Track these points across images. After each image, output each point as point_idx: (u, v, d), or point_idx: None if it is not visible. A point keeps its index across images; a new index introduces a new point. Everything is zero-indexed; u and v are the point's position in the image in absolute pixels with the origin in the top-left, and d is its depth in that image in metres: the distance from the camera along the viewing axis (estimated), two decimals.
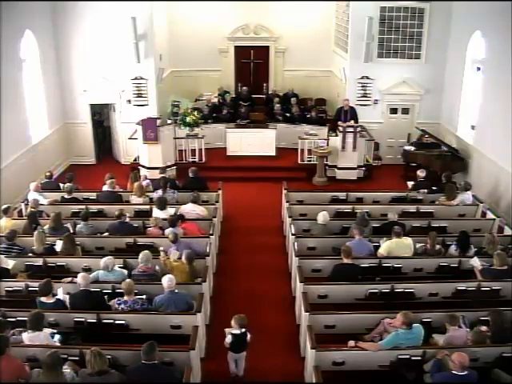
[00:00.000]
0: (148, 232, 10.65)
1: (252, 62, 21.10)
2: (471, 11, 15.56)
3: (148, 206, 11.91)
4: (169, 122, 16.52)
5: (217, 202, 12.61)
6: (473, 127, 15.59)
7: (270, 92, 20.67)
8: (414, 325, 7.43)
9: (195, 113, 17.10)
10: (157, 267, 9.13)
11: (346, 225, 11.13)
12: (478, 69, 15.40)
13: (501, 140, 13.48)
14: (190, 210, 11.51)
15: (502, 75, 13.57)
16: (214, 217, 11.74)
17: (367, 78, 17.56)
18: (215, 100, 19.67)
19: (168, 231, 10.14)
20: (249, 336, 7.65)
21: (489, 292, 8.87)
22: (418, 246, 10.15)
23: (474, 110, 15.53)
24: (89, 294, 8.14)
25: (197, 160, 16.64)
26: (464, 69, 16.07)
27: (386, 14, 17.13)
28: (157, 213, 11.30)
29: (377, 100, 17.77)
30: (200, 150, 16.72)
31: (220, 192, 13.25)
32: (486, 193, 13.93)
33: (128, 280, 8.32)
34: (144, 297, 8.27)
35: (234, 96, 20.17)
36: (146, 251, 9.04)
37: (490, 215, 12.03)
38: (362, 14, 16.72)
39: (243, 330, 7.56)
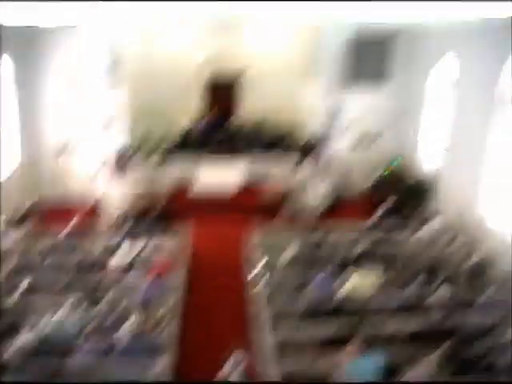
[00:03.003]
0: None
1: (224, 90, 20.77)
2: (440, 34, 15.61)
3: (119, 241, 11.68)
4: (139, 153, 16.57)
5: (186, 237, 12.62)
6: (439, 155, 15.59)
7: (241, 122, 20.27)
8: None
9: (167, 143, 17.30)
10: None
11: (315, 259, 11.11)
12: (445, 94, 15.44)
13: (468, 166, 13.53)
14: None
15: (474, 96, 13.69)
16: (183, 253, 11.79)
17: (336, 107, 17.66)
18: (188, 130, 19.29)
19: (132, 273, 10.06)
20: None
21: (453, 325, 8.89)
22: (385, 279, 10.11)
23: (440, 138, 15.53)
24: None
25: (166, 193, 16.42)
26: (432, 91, 16.22)
27: (357, 40, 17.24)
28: (126, 247, 11.17)
29: (345, 129, 17.82)
30: (170, 182, 16.63)
31: (189, 227, 13.26)
32: (454, 220, 13.64)
33: None
34: None
35: (205, 125, 19.74)
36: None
37: (458, 242, 12.05)
38: (333, 42, 17.07)
39: None
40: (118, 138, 17.20)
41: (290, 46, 20.47)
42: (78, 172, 17.64)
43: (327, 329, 8.84)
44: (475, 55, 13.67)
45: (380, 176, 16.84)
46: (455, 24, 14.14)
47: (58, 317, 8.60)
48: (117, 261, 10.67)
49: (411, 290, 9.92)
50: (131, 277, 10.15)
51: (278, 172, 16.92)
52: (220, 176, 17.04)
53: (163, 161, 16.96)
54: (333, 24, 16.71)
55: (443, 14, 12.53)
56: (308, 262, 11.18)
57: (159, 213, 13.20)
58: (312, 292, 9.43)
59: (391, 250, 11.64)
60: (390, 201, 13.67)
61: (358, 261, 10.28)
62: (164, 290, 9.84)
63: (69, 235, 12.34)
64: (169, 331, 8.96)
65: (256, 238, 12.48)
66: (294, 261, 11.01)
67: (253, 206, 16.25)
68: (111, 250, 11.46)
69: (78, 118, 17.16)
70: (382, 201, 13.96)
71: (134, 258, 10.51)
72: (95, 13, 15.13)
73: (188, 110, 20.48)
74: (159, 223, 12.67)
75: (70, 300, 8.86)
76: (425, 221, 12.76)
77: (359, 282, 9.86)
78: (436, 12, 12.76)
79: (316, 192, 16.36)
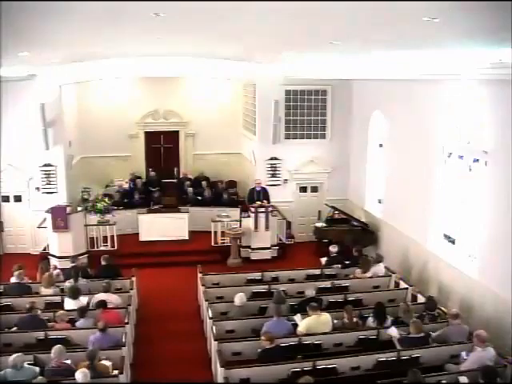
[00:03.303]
0: (53, 327, 10.08)
1: (162, 146, 21.18)
2: (370, 92, 16.47)
3: (59, 297, 11.37)
4: (79, 209, 16.13)
5: (131, 289, 12.30)
6: (379, 201, 16.22)
7: (180, 176, 20.62)
8: None
9: (106, 199, 16.83)
10: (68, 361, 8.62)
11: (264, 305, 11.04)
12: (381, 145, 16.16)
13: (405, 211, 14.14)
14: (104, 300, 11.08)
15: (400, 151, 14.42)
16: (129, 305, 11.39)
17: (276, 158, 17.96)
18: (126, 186, 19.51)
19: (79, 323, 9.69)
20: None
21: (409, 360, 8.94)
22: (336, 321, 10.17)
23: (379, 185, 16.17)
24: None
25: (109, 247, 16.26)
26: (367, 146, 16.82)
27: (291, 96, 17.81)
28: (69, 303, 10.83)
29: (286, 180, 18.12)
30: (112, 236, 16.37)
31: (134, 279, 12.91)
32: (397, 263, 14.24)
33: (40, 377, 7.81)
34: None
35: (144, 181, 20.08)
36: (59, 345, 8.55)
37: (402, 285, 12.28)
38: (269, 97, 17.19)
39: None
40: (58, 193, 16.94)
41: (227, 100, 20.94)
42: (19, 225, 17.24)
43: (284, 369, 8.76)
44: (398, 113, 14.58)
45: (325, 222, 17.02)
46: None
47: None
48: (62, 314, 10.23)
49: (364, 331, 9.98)
50: (79, 328, 9.77)
51: (223, 220, 16.90)
52: (166, 226, 16.87)
53: (105, 214, 16.71)
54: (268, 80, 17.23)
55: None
56: (259, 307, 11.13)
57: (105, 264, 12.79)
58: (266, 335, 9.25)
59: (340, 294, 11.75)
60: (336, 246, 13.79)
61: (308, 304, 10.13)
62: (112, 342, 9.47)
63: (9, 288, 11.95)
64: None
65: (205, 285, 12.33)
66: (245, 307, 10.88)
67: (199, 253, 16.21)
68: (54, 304, 11.10)
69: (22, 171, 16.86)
70: (328, 246, 14.17)
71: (79, 311, 10.09)
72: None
73: (128, 166, 20.50)
74: (105, 275, 12.31)
75: (14, 356, 8.35)
76: (370, 264, 12.88)
77: (313, 323, 9.82)
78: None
79: (262, 239, 16.38)
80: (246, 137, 20.28)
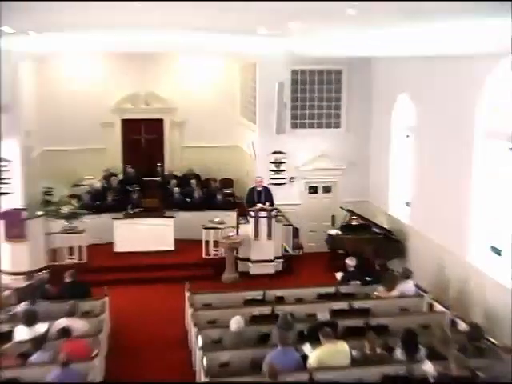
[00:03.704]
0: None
1: (143, 137, 21.23)
2: (395, 72, 16.36)
3: (8, 325, 10.95)
4: (39, 213, 15.94)
5: (102, 312, 12.07)
6: (407, 203, 16.08)
7: (165, 173, 20.69)
8: None
9: (73, 201, 16.82)
10: None
11: (266, 330, 10.75)
12: (408, 136, 16.05)
13: (439, 215, 13.92)
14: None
15: (433, 143, 14.23)
16: (100, 332, 11.14)
17: (280, 152, 17.91)
18: (99, 185, 19.46)
19: (34, 358, 9.29)
20: None
21: None
22: (355, 352, 9.86)
23: (406, 184, 16.10)
24: None
25: (76, 260, 16.13)
26: (391, 137, 16.73)
27: (298, 77, 17.78)
28: (22, 332, 10.41)
29: (293, 178, 18.10)
30: (80, 247, 16.22)
31: (106, 299, 12.72)
32: (430, 279, 14.06)
33: None
34: None
35: (121, 179, 20.08)
36: None
37: (438, 307, 12.03)
38: (272, 79, 17.08)
39: None
40: (13, 193, 16.50)
41: (221, 82, 21.14)
42: None
43: None
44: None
45: (340, 229, 16.94)
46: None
47: None
48: (11, 346, 9.95)
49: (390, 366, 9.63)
50: (33, 365, 9.38)
51: (217, 227, 16.88)
52: (147, 234, 16.98)
53: (72, 220, 16.59)
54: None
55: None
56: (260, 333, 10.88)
57: (71, 282, 12.58)
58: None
59: (359, 317, 11.51)
60: (354, 258, 13.65)
61: (321, 330, 9.72)
62: (76, 381, 9.09)
63: None
64: None
65: (194, 306, 12.17)
66: (243, 333, 10.59)
67: (187, 267, 16.29)
68: (2, 334, 10.69)
69: None
70: (344, 258, 14.06)
71: (34, 342, 9.69)
72: None
73: (101, 160, 20.46)
74: (70, 295, 11.97)
75: None
76: (396, 280, 12.71)
77: (326, 355, 9.47)
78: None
79: (264, 250, 16.28)
80: (244, 126, 20.37)
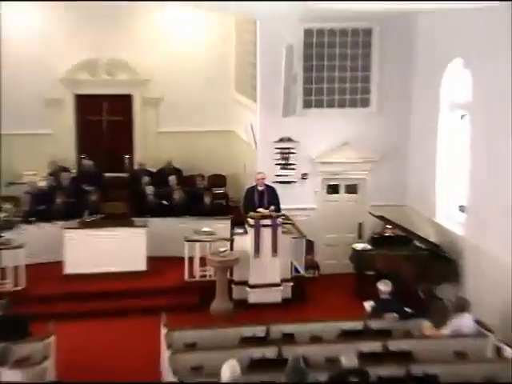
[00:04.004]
0: None
1: (105, 119, 21.21)
2: (444, 31, 16.06)
3: None
4: None
5: (45, 358, 11.58)
6: (461, 208, 15.79)
7: (135, 168, 20.76)
8: None
9: (8, 205, 16.82)
10: None
11: (270, 381, 10.29)
12: (463, 117, 15.79)
13: (507, 225, 13.43)
14: None
15: (499, 127, 13.74)
16: None
17: (289, 139, 17.75)
18: (43, 183, 19.39)
19: None
20: None
21: None
22: None
23: (460, 183, 15.85)
24: None
25: (10, 286, 15.86)
26: (439, 118, 16.43)
27: (313, 39, 17.52)
28: None
29: (306, 174, 17.97)
30: (16, 268, 15.96)
31: (52, 340, 12.23)
32: (496, 313, 13.58)
33: None
34: None
35: (74, 175, 19.92)
36: None
37: (508, 352, 11.47)
38: (278, 41, 16.81)
39: None
40: None
41: (211, 46, 21.19)
42: None
43: None
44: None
45: (370, 242, 16.87)
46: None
47: None
48: None
49: None
50: None
51: (205, 239, 16.73)
52: (110, 249, 16.80)
53: (6, 231, 16.53)
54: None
55: None
56: None
57: (2, 316, 12.19)
58: None
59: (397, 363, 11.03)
60: (389, 282, 13.16)
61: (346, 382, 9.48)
62: None
63: None
64: None
65: (173, 347, 11.69)
66: None
67: (164, 294, 16.21)
68: None
69: None
70: (376, 281, 13.65)
71: None
72: None
73: (47, 150, 20.42)
74: (2, 335, 11.47)
75: None
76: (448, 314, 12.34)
77: None
78: None
79: (267, 270, 16.06)
80: (241, 104, 20.39)
